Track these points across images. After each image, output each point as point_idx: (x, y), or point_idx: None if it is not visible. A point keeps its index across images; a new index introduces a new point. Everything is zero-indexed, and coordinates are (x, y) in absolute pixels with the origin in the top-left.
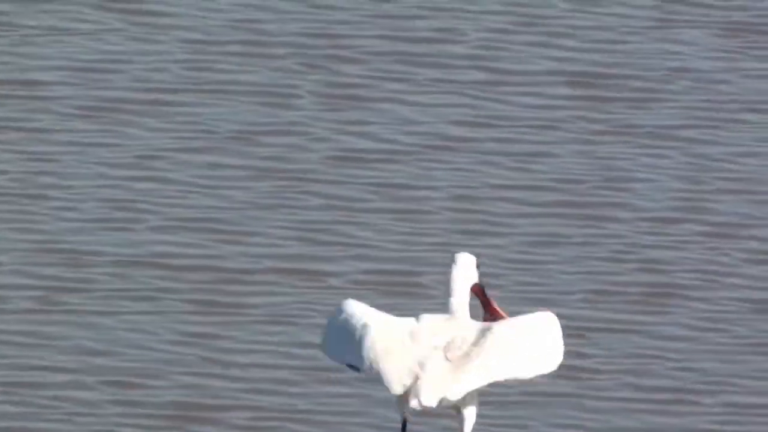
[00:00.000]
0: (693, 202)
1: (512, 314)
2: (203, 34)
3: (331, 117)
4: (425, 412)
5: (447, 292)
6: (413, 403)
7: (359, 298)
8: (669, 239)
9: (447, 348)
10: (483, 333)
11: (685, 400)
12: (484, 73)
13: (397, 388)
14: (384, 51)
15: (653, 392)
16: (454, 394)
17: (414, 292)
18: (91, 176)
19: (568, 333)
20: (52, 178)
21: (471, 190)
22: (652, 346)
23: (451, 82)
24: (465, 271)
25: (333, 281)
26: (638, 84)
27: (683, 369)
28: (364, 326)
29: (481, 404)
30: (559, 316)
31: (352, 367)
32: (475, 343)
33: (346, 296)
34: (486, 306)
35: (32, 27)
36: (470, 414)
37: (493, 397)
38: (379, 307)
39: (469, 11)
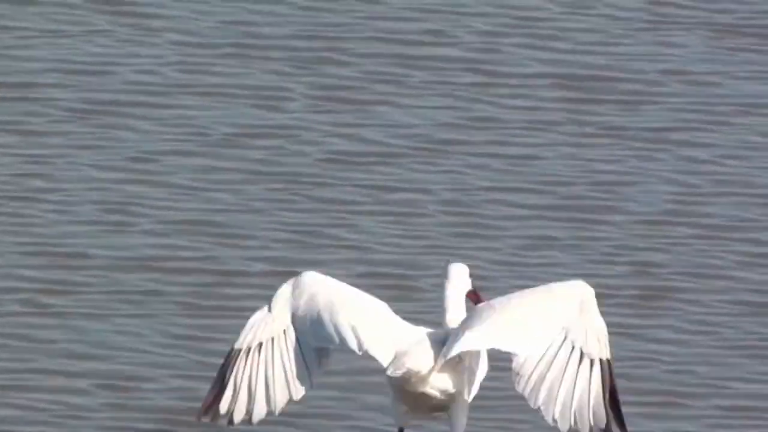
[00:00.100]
0: (684, 204)
1: None
2: (196, 36)
3: (323, 119)
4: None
5: (441, 306)
6: (404, 365)
7: None
8: (660, 241)
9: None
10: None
11: (676, 403)
12: (476, 76)
13: (386, 356)
14: (376, 53)
15: (645, 395)
16: (451, 351)
17: (407, 295)
18: (82, 178)
19: None
20: (43, 179)
21: (463, 192)
22: (644, 349)
23: (443, 84)
24: (458, 283)
25: None
26: (629, 86)
27: (675, 371)
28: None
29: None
30: None
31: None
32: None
33: None
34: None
35: (25, 29)
36: (460, 419)
37: (483, 400)
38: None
39: (460, 13)
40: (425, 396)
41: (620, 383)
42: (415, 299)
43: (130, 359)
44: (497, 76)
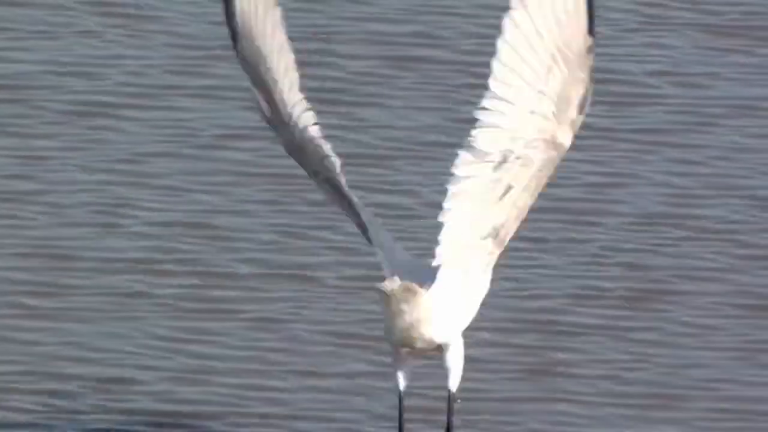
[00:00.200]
0: (675, 206)
1: (503, 309)
2: (185, 38)
3: (318, 117)
4: (417, 356)
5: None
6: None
7: (343, 300)
8: (650, 243)
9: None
10: None
11: (667, 405)
12: (467, 77)
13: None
14: (365, 55)
15: (636, 396)
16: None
17: None
18: (71, 179)
19: (555, 331)
20: (31, 181)
21: None
22: (635, 349)
23: (432, 86)
24: None
25: (316, 284)
26: (620, 86)
27: (665, 373)
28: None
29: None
30: (542, 318)
31: None
32: None
33: (335, 295)
34: None
35: (14, 30)
36: (455, 357)
37: (471, 402)
38: (369, 303)
39: (450, 15)
40: (416, 340)
41: (609, 386)
42: None
43: (118, 361)
44: (487, 78)
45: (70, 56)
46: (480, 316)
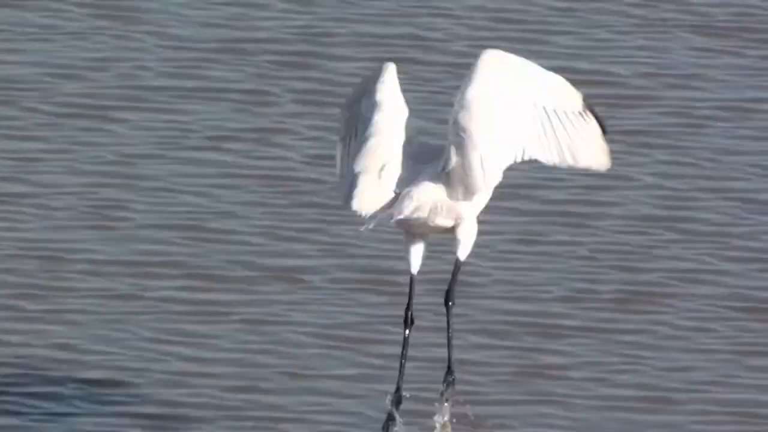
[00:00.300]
0: (672, 203)
1: (494, 311)
2: (177, 39)
3: (304, 122)
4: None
5: None
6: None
7: (340, 297)
8: (647, 239)
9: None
10: None
11: (657, 407)
12: (458, 79)
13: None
14: (357, 56)
15: (630, 393)
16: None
17: (392, 291)
18: (62, 181)
19: (546, 333)
20: (29, 178)
21: None
22: (630, 347)
23: (424, 87)
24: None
25: (311, 282)
26: (611, 88)
27: (661, 370)
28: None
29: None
30: (537, 316)
31: None
32: None
33: (327, 295)
34: None
35: (7, 30)
36: (467, 233)
37: (467, 395)
38: (358, 305)
39: (442, 16)
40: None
41: (605, 381)
42: (401, 295)
43: (115, 357)
44: None
45: (61, 58)
46: (470, 318)
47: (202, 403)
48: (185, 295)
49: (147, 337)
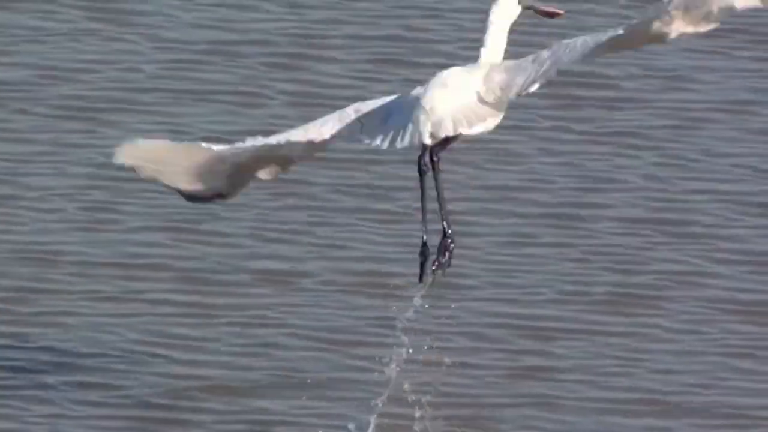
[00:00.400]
0: (663, 205)
1: (485, 314)
2: (172, 38)
3: (303, 118)
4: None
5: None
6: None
7: (330, 299)
8: (639, 241)
9: None
10: None
11: (649, 410)
12: None
13: None
14: (354, 54)
15: (621, 396)
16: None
17: (386, 293)
18: (58, 179)
19: (537, 336)
20: (19, 180)
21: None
22: (622, 349)
23: (419, 84)
24: (506, 8)
25: (304, 282)
26: (609, 85)
27: (652, 372)
28: None
29: (444, 406)
30: (528, 318)
31: None
32: None
33: (317, 298)
34: (546, 14)
35: (2, 29)
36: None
37: (458, 398)
38: (348, 308)
39: (439, 14)
40: None
41: (597, 382)
42: (395, 297)
43: (106, 358)
44: None
45: (53, 60)
46: (461, 321)
47: (192, 406)
48: (175, 297)
49: (136, 339)
